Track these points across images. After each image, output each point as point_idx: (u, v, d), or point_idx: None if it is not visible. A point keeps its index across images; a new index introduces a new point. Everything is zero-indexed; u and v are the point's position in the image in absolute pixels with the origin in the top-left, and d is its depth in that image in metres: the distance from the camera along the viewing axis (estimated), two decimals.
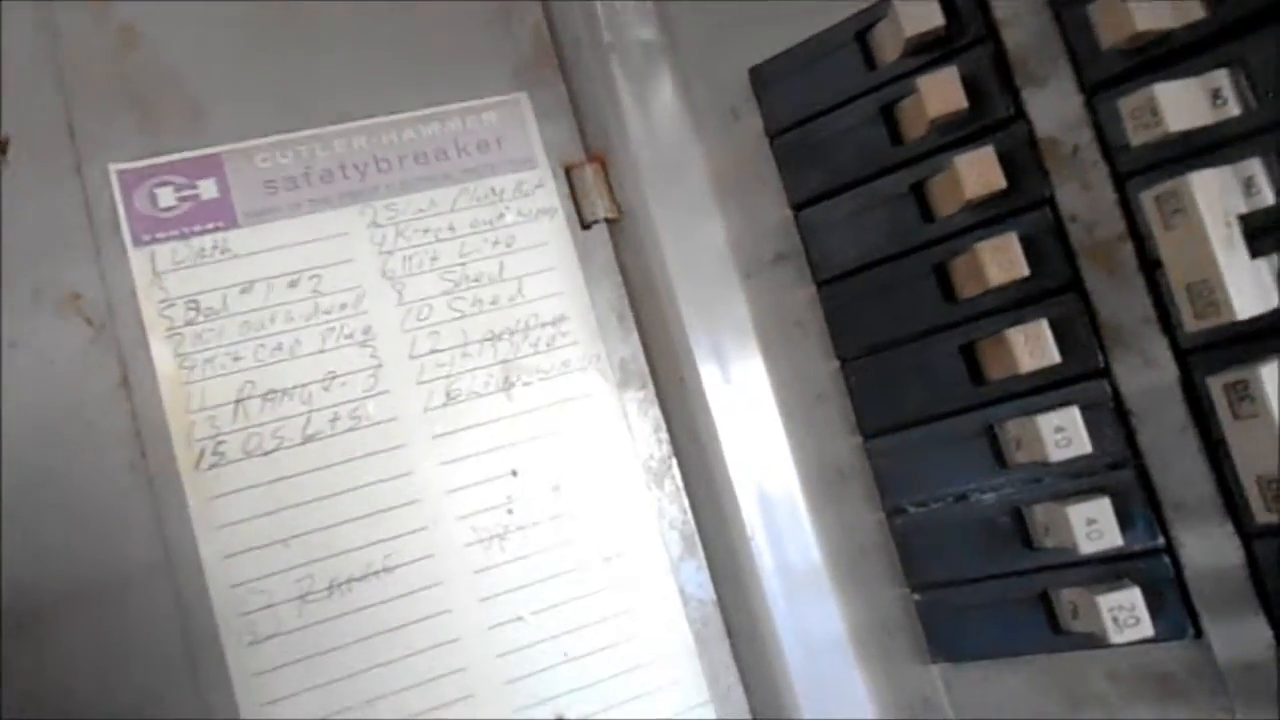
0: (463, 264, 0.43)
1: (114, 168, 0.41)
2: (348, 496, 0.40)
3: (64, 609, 0.37)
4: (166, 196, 0.41)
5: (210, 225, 0.41)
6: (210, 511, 0.39)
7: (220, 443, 0.40)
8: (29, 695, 0.36)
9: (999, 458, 0.38)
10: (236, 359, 0.40)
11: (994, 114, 0.37)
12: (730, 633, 0.43)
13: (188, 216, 0.41)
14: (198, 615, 0.38)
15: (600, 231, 0.45)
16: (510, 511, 0.41)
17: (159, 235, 0.41)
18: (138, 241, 0.41)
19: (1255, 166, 0.33)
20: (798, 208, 0.42)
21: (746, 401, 0.43)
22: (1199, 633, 0.35)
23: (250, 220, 0.42)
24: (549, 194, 0.45)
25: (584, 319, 0.44)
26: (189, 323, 0.40)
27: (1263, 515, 0.31)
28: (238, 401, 0.40)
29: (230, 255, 0.41)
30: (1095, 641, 0.36)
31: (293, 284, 0.42)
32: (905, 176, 0.39)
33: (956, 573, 0.40)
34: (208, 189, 0.42)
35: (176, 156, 0.42)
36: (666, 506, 0.43)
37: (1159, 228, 0.33)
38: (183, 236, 0.41)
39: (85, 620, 0.37)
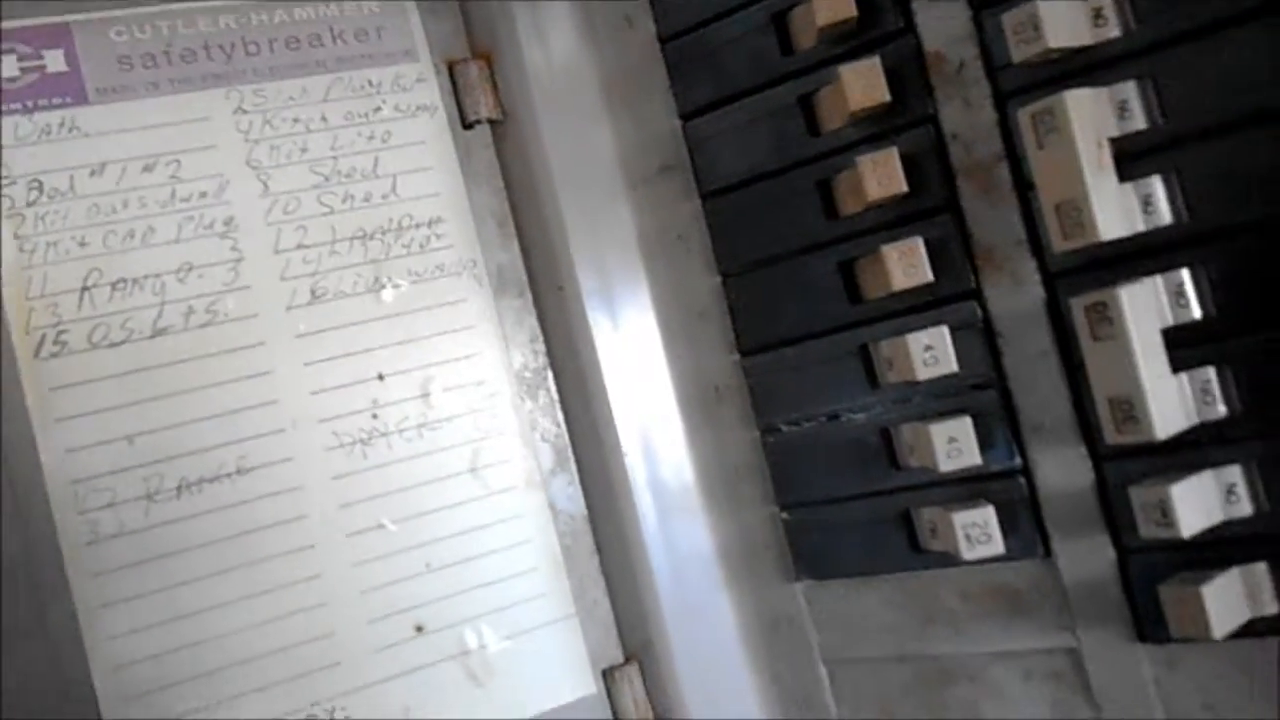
0: (334, 157, 0.41)
1: None
2: (201, 394, 0.38)
3: None
4: (9, 66, 0.38)
5: (58, 100, 0.39)
6: (49, 403, 0.37)
7: (62, 331, 0.37)
8: None
9: (871, 377, 0.38)
10: (83, 244, 0.38)
11: (883, 26, 0.37)
12: (599, 548, 0.42)
13: (32, 89, 0.38)
14: (33, 512, 0.36)
15: (482, 132, 0.43)
16: (375, 416, 0.40)
17: None
18: None
19: (1130, 90, 0.33)
20: (686, 118, 0.41)
21: (626, 315, 0.42)
22: (1048, 552, 0.36)
23: (103, 98, 0.39)
24: (429, 90, 0.43)
25: (461, 222, 0.42)
26: (30, 203, 0.38)
27: (1113, 436, 0.32)
28: (83, 289, 0.38)
29: (80, 134, 0.39)
30: (950, 560, 0.36)
31: (148, 168, 0.39)
32: (794, 88, 0.39)
33: (825, 492, 0.40)
34: (55, 60, 0.39)
35: (20, 23, 0.38)
36: (539, 419, 0.42)
37: (1033, 146, 0.32)
38: (26, 110, 0.38)
39: None
